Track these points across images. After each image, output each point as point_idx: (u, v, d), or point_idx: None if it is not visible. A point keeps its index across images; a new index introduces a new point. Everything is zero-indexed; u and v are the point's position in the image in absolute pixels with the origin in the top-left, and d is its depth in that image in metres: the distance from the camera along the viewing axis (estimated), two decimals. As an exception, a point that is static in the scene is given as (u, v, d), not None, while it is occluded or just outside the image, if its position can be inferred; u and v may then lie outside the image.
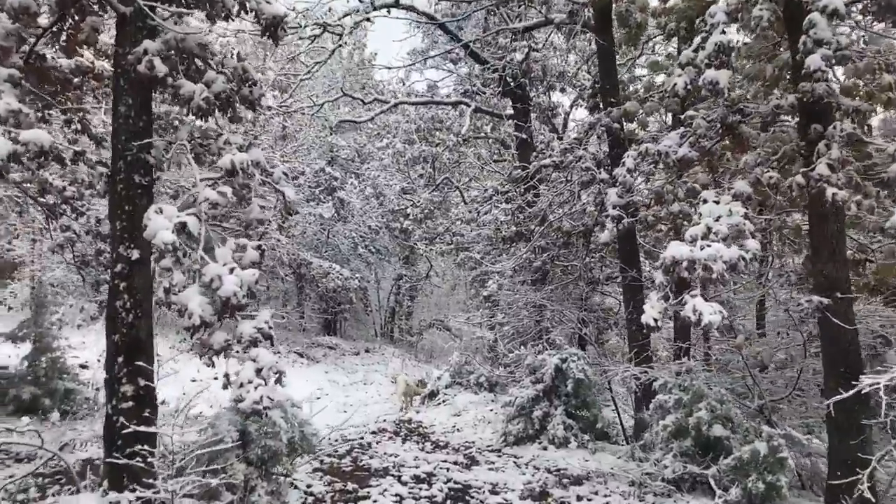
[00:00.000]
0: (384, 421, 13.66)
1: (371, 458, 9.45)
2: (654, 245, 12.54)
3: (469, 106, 17.49)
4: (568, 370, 10.10)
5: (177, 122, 6.91)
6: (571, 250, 12.99)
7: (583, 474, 8.35)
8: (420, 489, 7.72)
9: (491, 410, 13.56)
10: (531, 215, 13.33)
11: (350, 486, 7.72)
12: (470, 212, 19.11)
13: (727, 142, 8.31)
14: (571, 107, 19.84)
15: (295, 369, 20.02)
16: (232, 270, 5.05)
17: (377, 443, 10.97)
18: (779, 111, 7.39)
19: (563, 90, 19.12)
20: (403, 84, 20.91)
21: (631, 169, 8.31)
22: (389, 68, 17.83)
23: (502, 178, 13.18)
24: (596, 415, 10.20)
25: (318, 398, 17.40)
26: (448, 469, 8.67)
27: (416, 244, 23.72)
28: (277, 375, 5.34)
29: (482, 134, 22.42)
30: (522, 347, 13.73)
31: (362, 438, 11.34)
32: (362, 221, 24.59)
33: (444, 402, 15.12)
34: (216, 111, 5.80)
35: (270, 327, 5.37)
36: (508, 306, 14.83)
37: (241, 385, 5.25)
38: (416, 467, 8.75)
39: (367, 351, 25.58)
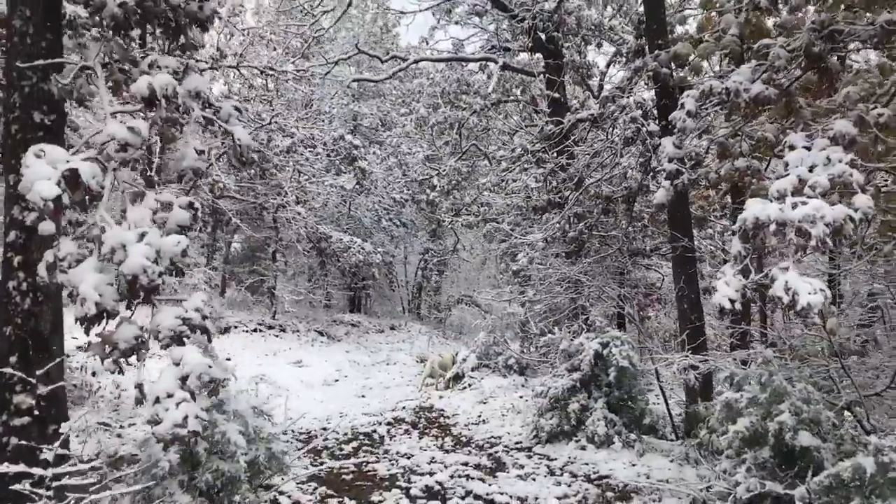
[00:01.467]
0: (403, 408, 12.25)
1: (379, 459, 7.99)
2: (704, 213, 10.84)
3: (496, 62, 15.82)
4: (610, 357, 8.52)
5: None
6: (611, 218, 11.34)
7: (631, 486, 6.80)
8: (431, 507, 6.26)
9: (521, 397, 12.04)
10: (565, 179, 11.68)
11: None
12: (497, 176, 17.43)
13: (812, 75, 6.58)
14: (608, 66, 18.03)
15: (314, 349, 18.71)
16: (142, 236, 3.58)
17: (390, 437, 9.54)
18: (892, 29, 5.65)
19: (598, 45, 17.32)
20: (427, 43, 19.23)
21: (692, 112, 6.62)
22: (403, 13, 16.11)
23: (533, 138, 11.53)
24: (643, 408, 8.61)
25: (336, 380, 16.09)
26: (468, 477, 7.17)
27: (442, 216, 22.11)
28: (213, 385, 3.86)
29: (511, 97, 20.68)
30: (556, 328, 12.17)
31: (374, 431, 9.92)
32: (385, 193, 23.08)
33: (469, 386, 13.66)
34: (146, 25, 4.29)
35: (206, 316, 3.90)
36: (540, 282, 13.24)
37: (158, 401, 3.78)
38: (431, 474, 7.26)
39: (392, 328, 24.20)
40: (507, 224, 14.50)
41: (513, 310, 20.42)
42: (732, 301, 5.02)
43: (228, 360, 16.73)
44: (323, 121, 22.44)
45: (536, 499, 6.45)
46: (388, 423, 10.60)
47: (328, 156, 20.70)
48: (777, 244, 4.90)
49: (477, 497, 6.48)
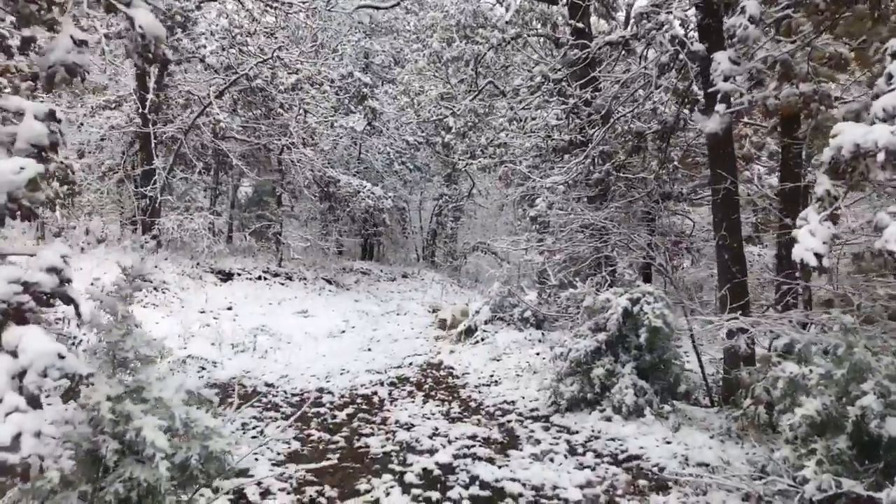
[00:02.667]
0: (410, 364, 11.18)
1: (374, 432, 6.88)
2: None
3: (515, -11, 14.29)
4: (640, 315, 7.30)
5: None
6: (640, 158, 10.00)
7: (669, 472, 5.65)
8: (429, 500, 5.15)
9: (537, 354, 10.92)
10: (590, 114, 10.30)
11: (326, 495, 5.14)
12: (513, 110, 15.98)
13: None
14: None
15: (321, 298, 17.67)
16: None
17: (391, 401, 8.46)
18: None
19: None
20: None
21: (754, 17, 5.24)
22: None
23: (555, 63, 10.11)
24: (677, 374, 7.42)
25: (343, 332, 15.06)
26: (474, 457, 6.04)
27: (457, 159, 20.75)
28: (74, 382, 2.70)
29: (531, 30, 19.06)
30: (577, 280, 10.98)
31: (375, 393, 8.85)
32: (398, 135, 21.72)
33: (482, 340, 12.56)
34: None
35: (67, 280, 2.73)
36: (560, 229, 11.98)
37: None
38: (431, 452, 6.16)
39: (404, 276, 23.12)
40: (524, 167, 13.14)
41: (530, 258, 19.25)
42: (819, 256, 3.76)
43: (230, 309, 15.77)
44: (332, 58, 20.99)
45: (555, 488, 5.32)
46: (391, 384, 9.53)
47: (336, 94, 19.32)
48: (886, 180, 3.62)
49: (484, 486, 5.36)
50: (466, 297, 22.54)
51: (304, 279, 18.37)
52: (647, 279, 13.67)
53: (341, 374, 10.41)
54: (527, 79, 13.38)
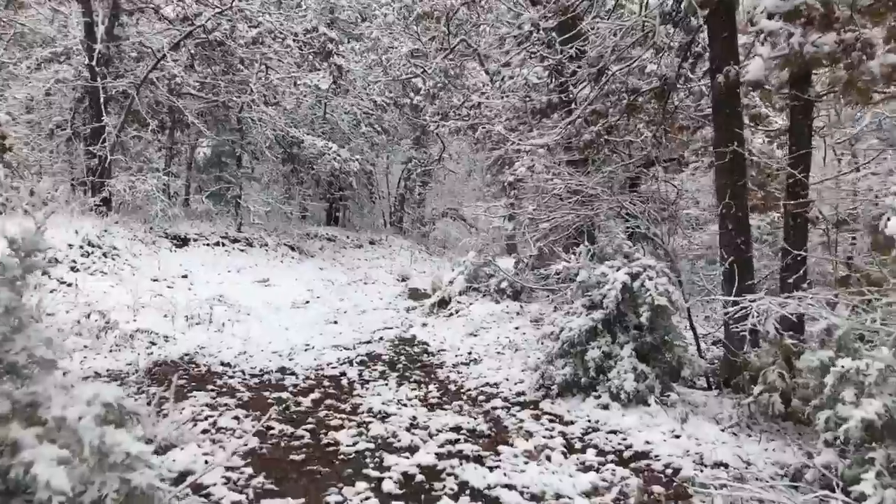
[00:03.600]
0: (380, 339, 10.30)
1: (343, 424, 5.95)
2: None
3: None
4: (641, 291, 6.49)
5: None
6: (633, 120, 9.13)
7: (684, 474, 4.87)
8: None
9: (517, 329, 10.14)
10: (576, 71, 9.38)
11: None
12: (491, 69, 14.92)
13: None
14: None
15: (284, 266, 16.65)
16: None
17: (363, 384, 7.58)
18: None
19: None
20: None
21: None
22: None
23: (545, 11, 9.10)
24: (680, 357, 6.65)
25: (307, 302, 14.09)
26: (461, 456, 5.18)
27: (426, 121, 19.68)
28: None
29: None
30: (558, 249, 10.18)
31: (343, 375, 7.95)
32: (365, 94, 20.52)
33: (456, 312, 11.74)
34: None
35: None
36: (541, 196, 11.13)
37: None
38: (412, 450, 5.26)
39: (371, 243, 22.14)
40: (501, 128, 12.20)
41: (503, 225, 18.45)
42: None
43: (185, 277, 14.67)
44: (295, 12, 19.61)
45: (558, 497, 4.50)
46: (361, 362, 8.64)
47: (300, 49, 18.04)
48: None
49: (476, 495, 4.49)
50: (436, 265, 21.69)
51: (266, 245, 17.29)
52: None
53: (306, 350, 9.50)
54: (514, 27, 12.31)
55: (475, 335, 9.99)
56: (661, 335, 6.57)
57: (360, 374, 7.96)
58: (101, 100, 14.44)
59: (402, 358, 8.92)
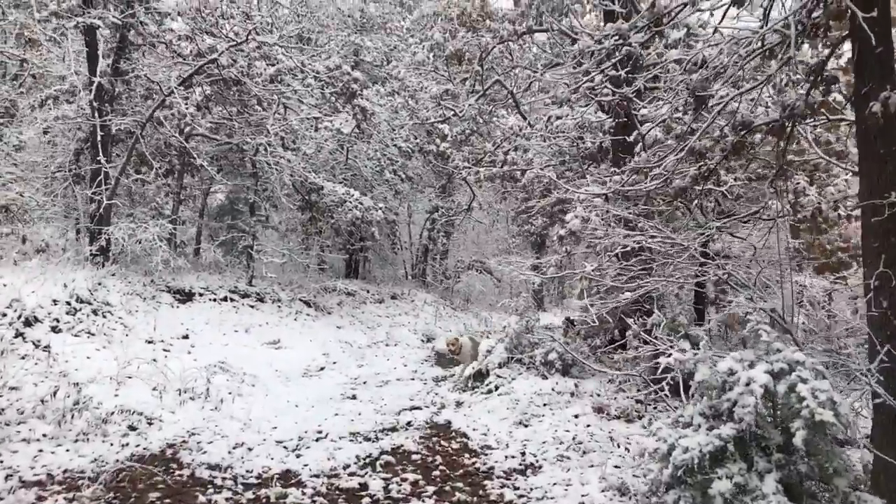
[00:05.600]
0: (408, 425, 8.27)
1: None
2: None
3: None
4: (790, 399, 4.47)
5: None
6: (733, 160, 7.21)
7: None
8: None
9: (576, 418, 8.08)
10: (652, 103, 7.51)
11: None
12: (528, 119, 13.09)
13: None
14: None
15: (298, 325, 14.69)
16: None
17: (386, 496, 5.56)
18: None
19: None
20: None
21: None
22: None
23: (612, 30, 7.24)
24: (845, 495, 4.57)
25: (321, 369, 12.10)
26: None
27: (457, 167, 17.84)
28: None
29: (545, 25, 16.36)
30: (621, 318, 8.21)
31: (364, 489, 5.92)
32: (390, 140, 18.82)
33: (496, 389, 9.68)
34: None
35: None
36: (594, 252, 9.20)
37: None
38: None
39: (393, 297, 20.16)
40: (552, 173, 10.26)
41: (532, 279, 16.58)
42: None
43: (185, 337, 12.74)
44: (318, 53, 18.08)
45: None
46: (385, 464, 6.61)
47: (322, 90, 16.42)
48: None
49: None
50: (461, 321, 19.65)
51: (279, 301, 15.38)
52: (700, 318, 10.90)
53: (317, 439, 7.51)
54: (568, 58, 10.50)
55: (526, 425, 7.92)
56: (819, 464, 4.51)
57: (385, 488, 5.92)
58: (99, 138, 12.77)
59: (439, 459, 6.86)
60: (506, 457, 6.89)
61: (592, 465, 6.43)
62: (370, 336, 15.22)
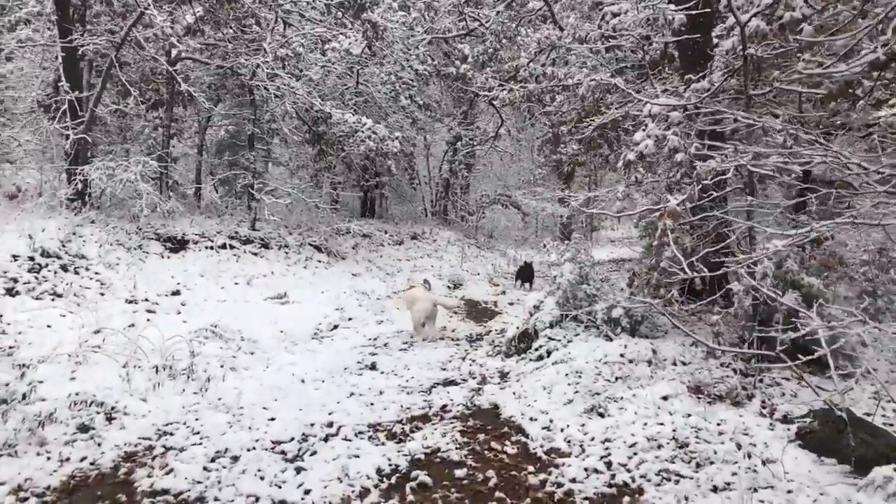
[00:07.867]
0: (442, 411, 6.24)
1: None
2: None
3: None
4: None
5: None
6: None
7: None
8: None
9: (665, 401, 5.95)
10: None
11: None
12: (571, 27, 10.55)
13: None
14: None
15: (308, 274, 12.63)
16: None
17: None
18: None
19: None
20: None
21: None
22: None
23: None
24: None
25: (334, 327, 10.06)
26: None
27: (482, 88, 15.31)
28: None
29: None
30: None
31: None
32: (405, 60, 16.29)
33: (549, 355, 7.56)
34: None
35: None
36: (695, 177, 6.96)
37: None
38: None
39: (413, 238, 18.00)
40: (620, 81, 7.84)
41: (559, 212, 14.32)
42: None
43: (176, 293, 10.72)
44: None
45: None
46: (419, 487, 4.55)
47: (326, 2, 13.88)
48: None
49: None
50: (489, 262, 17.53)
51: (286, 247, 13.26)
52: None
53: (326, 438, 5.50)
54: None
55: (601, 413, 5.82)
56: None
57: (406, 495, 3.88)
58: (61, 59, 10.49)
59: (492, 475, 4.79)
60: (585, 470, 4.80)
61: (716, 488, 4.34)
62: (389, 283, 13.11)
